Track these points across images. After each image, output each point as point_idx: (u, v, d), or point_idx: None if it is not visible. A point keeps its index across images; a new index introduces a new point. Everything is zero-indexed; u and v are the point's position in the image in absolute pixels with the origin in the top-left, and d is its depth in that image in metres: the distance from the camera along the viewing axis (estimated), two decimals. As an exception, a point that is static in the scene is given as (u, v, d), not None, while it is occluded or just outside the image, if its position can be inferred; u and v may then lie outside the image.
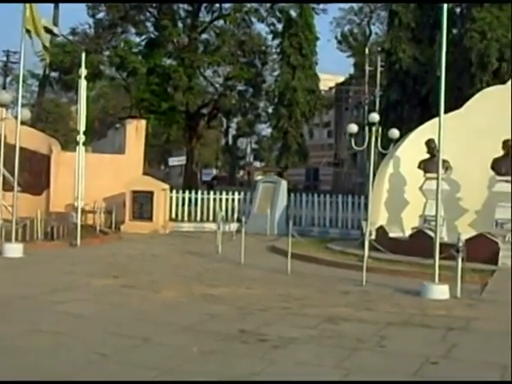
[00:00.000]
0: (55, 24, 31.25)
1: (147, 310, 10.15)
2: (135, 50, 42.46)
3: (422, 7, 37.04)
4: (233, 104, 45.57)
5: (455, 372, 7.20)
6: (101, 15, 42.95)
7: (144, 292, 11.65)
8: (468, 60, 32.58)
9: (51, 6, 45.05)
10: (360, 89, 61.06)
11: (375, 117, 19.84)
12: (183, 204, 26.43)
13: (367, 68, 54.66)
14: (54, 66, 42.44)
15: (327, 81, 63.77)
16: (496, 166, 17.62)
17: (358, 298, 11.49)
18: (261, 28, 70.65)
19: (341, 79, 71.71)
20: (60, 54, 39.99)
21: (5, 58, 67.32)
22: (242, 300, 11.01)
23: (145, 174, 28.13)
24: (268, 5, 42.77)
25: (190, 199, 26.56)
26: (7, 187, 17.43)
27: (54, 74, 47.78)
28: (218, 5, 42.28)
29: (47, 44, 17.58)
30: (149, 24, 43.77)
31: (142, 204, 24.38)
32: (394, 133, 19.69)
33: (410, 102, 36.99)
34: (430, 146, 17.46)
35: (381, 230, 17.82)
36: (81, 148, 19.80)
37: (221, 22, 43.51)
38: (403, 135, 20.30)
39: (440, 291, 11.64)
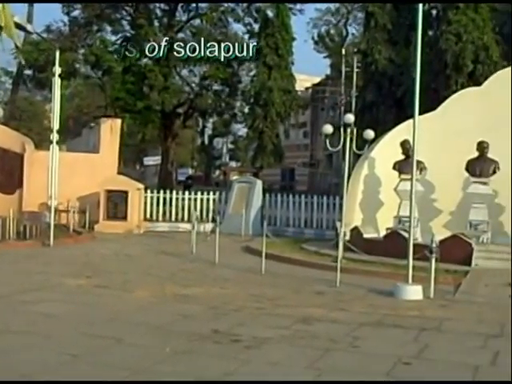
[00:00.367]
0: (29, 21, 30.91)
1: (120, 310, 10.09)
2: (111, 48, 42.18)
3: (398, 9, 37.26)
4: (209, 104, 45.48)
5: (428, 372, 7.23)
6: (76, 13, 42.56)
7: (117, 292, 11.59)
8: (443, 62, 32.81)
9: (25, 3, 44.69)
10: (336, 89, 61.31)
11: (350, 117, 19.84)
12: (158, 204, 26.31)
13: (343, 69, 54.86)
14: (28, 64, 42.05)
15: (303, 81, 63.74)
16: (470, 167, 17.74)
17: (332, 299, 11.50)
18: (237, 28, 70.59)
19: (317, 80, 71.79)
20: (34, 51, 39.73)
21: (-22, 56, 66.81)
22: (216, 300, 10.98)
23: (120, 173, 28.00)
24: (245, 5, 42.76)
25: (164, 199, 26.44)
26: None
27: (28, 72, 47.31)
28: (194, 4, 42.17)
29: (19, 44, 17.41)
30: (125, 22, 43.55)
31: (117, 204, 24.25)
32: (369, 134, 19.72)
33: (386, 103, 37.13)
34: (405, 146, 17.51)
35: (355, 231, 17.83)
36: (55, 147, 19.62)
37: (197, 22, 43.44)
38: (378, 136, 20.34)
39: (413, 292, 11.70)
